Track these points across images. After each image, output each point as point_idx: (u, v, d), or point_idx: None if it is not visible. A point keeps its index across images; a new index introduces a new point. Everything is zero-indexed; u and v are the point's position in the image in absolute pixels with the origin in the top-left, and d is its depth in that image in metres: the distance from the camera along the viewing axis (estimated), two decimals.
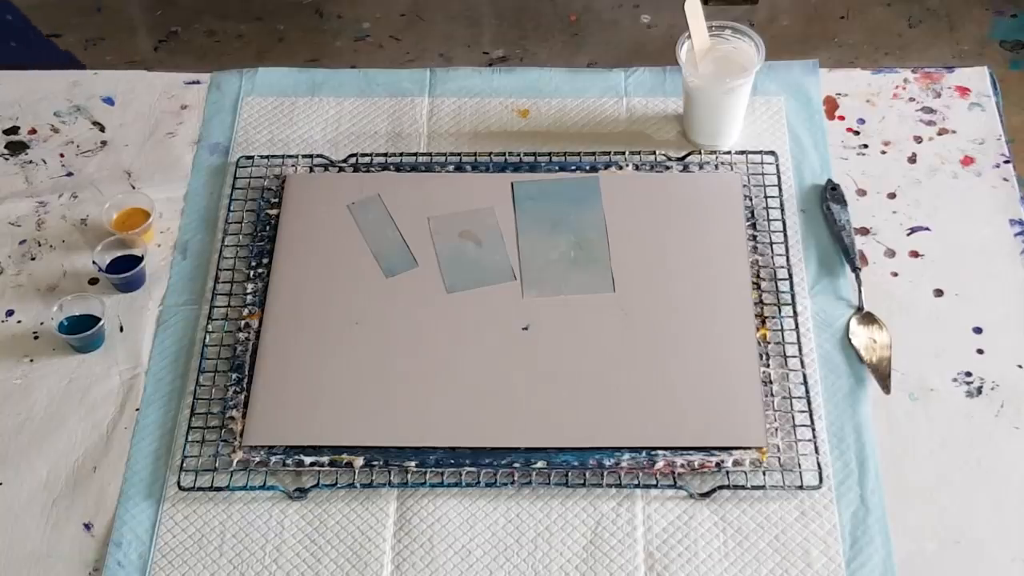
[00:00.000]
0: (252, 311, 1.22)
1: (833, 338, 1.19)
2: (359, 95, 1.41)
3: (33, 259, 1.28)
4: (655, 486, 1.10)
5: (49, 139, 1.39)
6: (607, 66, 1.44)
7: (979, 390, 1.15)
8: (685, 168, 1.31)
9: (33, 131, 1.40)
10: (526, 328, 1.19)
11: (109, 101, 1.42)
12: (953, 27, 2.62)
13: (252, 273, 1.25)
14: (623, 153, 1.33)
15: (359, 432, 1.13)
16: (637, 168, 1.31)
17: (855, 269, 1.23)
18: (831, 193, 1.28)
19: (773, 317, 1.19)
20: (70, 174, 1.36)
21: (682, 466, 1.10)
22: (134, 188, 1.33)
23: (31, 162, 1.37)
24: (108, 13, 2.68)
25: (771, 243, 1.25)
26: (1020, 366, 1.17)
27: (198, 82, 1.43)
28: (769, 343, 1.18)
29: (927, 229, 1.27)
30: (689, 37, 1.28)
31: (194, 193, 1.33)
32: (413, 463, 1.11)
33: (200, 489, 1.11)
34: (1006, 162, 1.32)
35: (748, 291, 1.21)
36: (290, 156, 1.34)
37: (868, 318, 1.20)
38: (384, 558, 1.08)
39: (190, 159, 1.36)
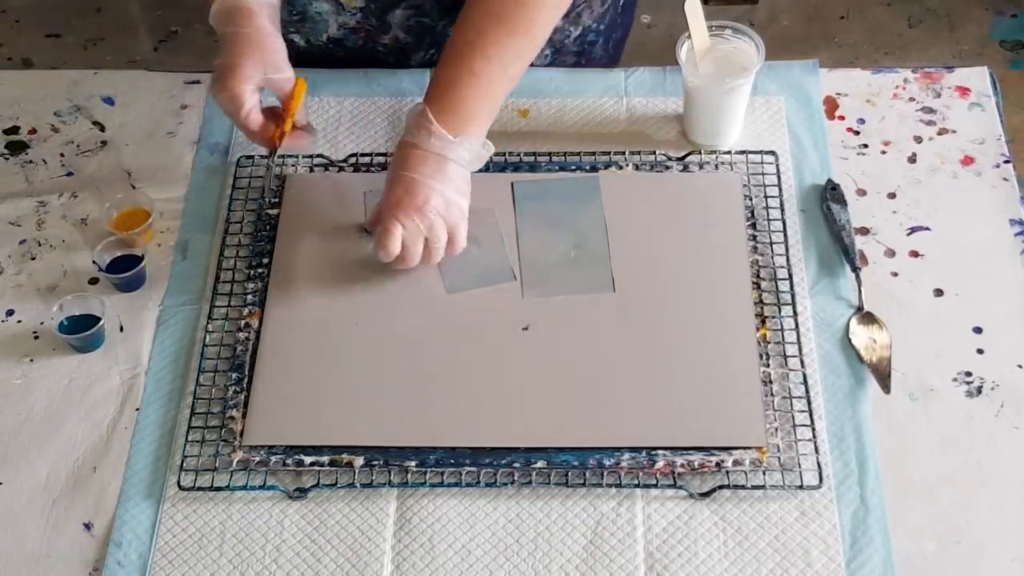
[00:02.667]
0: (252, 311, 1.22)
1: (833, 338, 1.19)
2: (359, 95, 1.41)
3: (33, 259, 1.28)
4: (655, 486, 1.10)
5: (49, 139, 1.39)
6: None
7: (979, 390, 1.15)
8: (685, 168, 1.31)
9: (33, 131, 1.40)
10: (526, 328, 1.19)
11: (109, 101, 1.42)
12: (953, 27, 2.62)
13: (252, 273, 1.25)
14: (623, 153, 1.32)
15: (359, 432, 1.13)
16: (637, 168, 1.31)
17: (855, 269, 1.23)
18: (831, 193, 1.28)
19: (773, 317, 1.19)
20: (70, 174, 1.36)
21: (682, 466, 1.10)
22: (134, 188, 1.33)
23: (31, 162, 1.37)
24: (108, 13, 2.68)
25: (771, 243, 1.25)
26: (1020, 366, 1.17)
27: (198, 82, 1.43)
28: (769, 343, 1.18)
29: (927, 229, 1.27)
30: (689, 37, 1.28)
31: (194, 193, 1.33)
32: (413, 463, 1.11)
33: (200, 489, 1.11)
34: (1006, 162, 1.32)
35: (748, 291, 1.21)
36: (290, 156, 1.34)
37: (868, 318, 1.20)
38: (384, 558, 1.07)
39: (190, 159, 1.36)
